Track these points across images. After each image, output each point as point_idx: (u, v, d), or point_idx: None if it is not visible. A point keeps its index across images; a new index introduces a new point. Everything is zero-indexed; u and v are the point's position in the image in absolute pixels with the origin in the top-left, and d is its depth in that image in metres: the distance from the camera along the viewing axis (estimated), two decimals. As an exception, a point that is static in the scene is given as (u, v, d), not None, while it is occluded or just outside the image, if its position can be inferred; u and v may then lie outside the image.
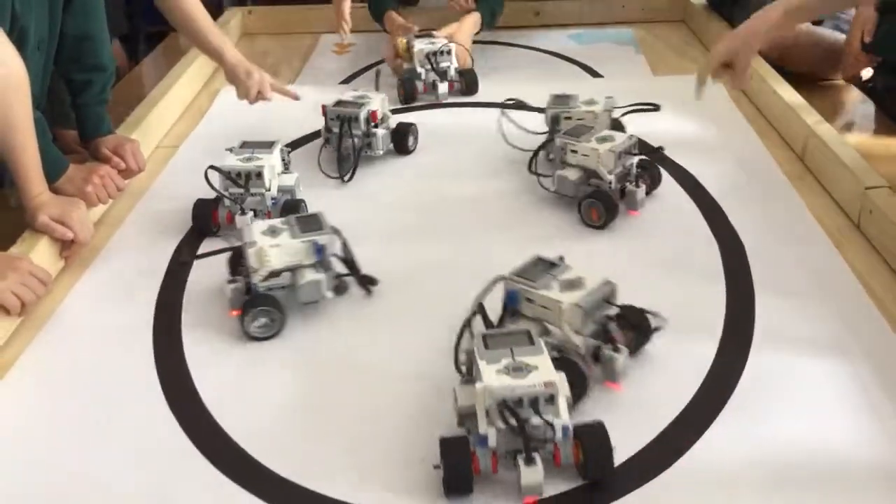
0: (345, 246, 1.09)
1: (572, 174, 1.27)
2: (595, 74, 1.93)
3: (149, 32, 2.51)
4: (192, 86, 1.84)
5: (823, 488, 0.82)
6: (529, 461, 0.79)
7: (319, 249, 1.05)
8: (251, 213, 1.23)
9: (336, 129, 1.44)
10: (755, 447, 0.87)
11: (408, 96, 1.73)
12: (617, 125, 1.42)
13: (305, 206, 1.26)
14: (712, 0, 2.12)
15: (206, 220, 1.25)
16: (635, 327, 0.97)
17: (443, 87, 1.74)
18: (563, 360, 0.90)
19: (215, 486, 0.85)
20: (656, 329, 0.99)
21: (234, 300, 1.07)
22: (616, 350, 0.93)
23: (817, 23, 1.86)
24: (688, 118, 1.62)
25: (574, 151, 1.27)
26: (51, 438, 0.91)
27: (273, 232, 1.06)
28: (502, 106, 1.57)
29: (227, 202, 1.24)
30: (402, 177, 1.47)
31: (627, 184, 1.28)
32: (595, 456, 0.80)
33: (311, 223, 1.08)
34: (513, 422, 0.78)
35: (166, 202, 1.37)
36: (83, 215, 1.21)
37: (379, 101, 1.48)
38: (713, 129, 1.58)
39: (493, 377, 0.80)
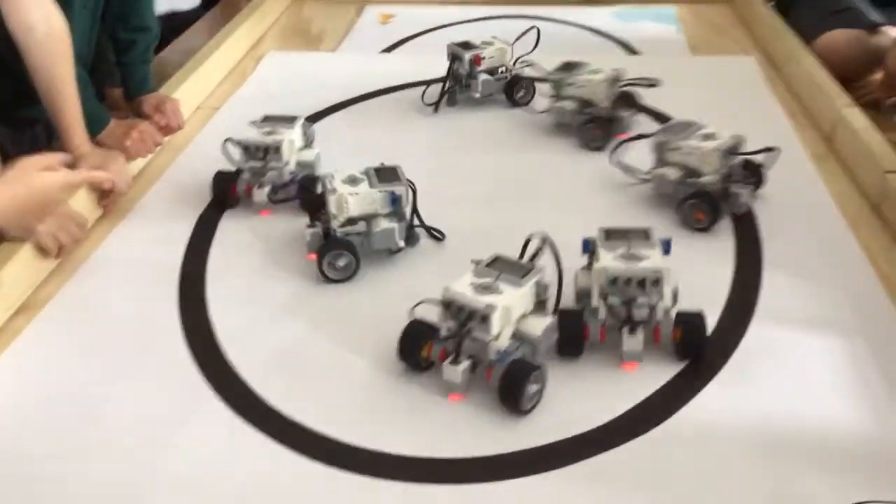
0: (414, 200, 1.14)
1: (672, 173, 1.23)
2: (633, 52, 1.94)
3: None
4: (238, 50, 1.89)
5: (814, 460, 0.84)
6: (632, 331, 0.93)
7: (395, 200, 1.10)
8: (268, 188, 1.25)
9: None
10: (743, 415, 0.89)
11: None
12: (625, 97, 1.46)
13: (325, 181, 1.17)
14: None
15: (224, 192, 1.27)
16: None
17: None
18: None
19: (225, 420, 0.90)
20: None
21: (311, 244, 1.13)
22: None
23: (873, 29, 1.84)
24: (719, 96, 1.62)
25: (675, 149, 1.23)
26: (78, 368, 0.98)
27: (353, 181, 1.12)
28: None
29: (245, 175, 1.26)
30: (480, 144, 1.50)
31: (731, 185, 1.22)
32: (691, 338, 0.94)
33: (389, 175, 1.13)
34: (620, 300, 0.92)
35: (201, 161, 1.41)
36: (122, 167, 1.27)
37: (496, 51, 1.55)
38: (743, 109, 1.58)
39: (609, 260, 0.94)
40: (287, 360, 0.99)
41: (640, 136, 1.34)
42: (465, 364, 0.89)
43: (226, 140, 1.26)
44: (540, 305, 0.94)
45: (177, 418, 0.91)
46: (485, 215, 1.27)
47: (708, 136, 1.22)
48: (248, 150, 1.25)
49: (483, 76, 1.56)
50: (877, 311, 1.05)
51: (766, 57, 1.86)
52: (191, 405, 0.93)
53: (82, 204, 1.23)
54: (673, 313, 0.95)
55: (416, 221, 1.15)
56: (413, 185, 1.13)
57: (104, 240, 1.22)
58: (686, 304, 1.01)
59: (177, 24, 2.05)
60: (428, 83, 1.63)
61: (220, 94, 1.72)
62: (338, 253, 1.10)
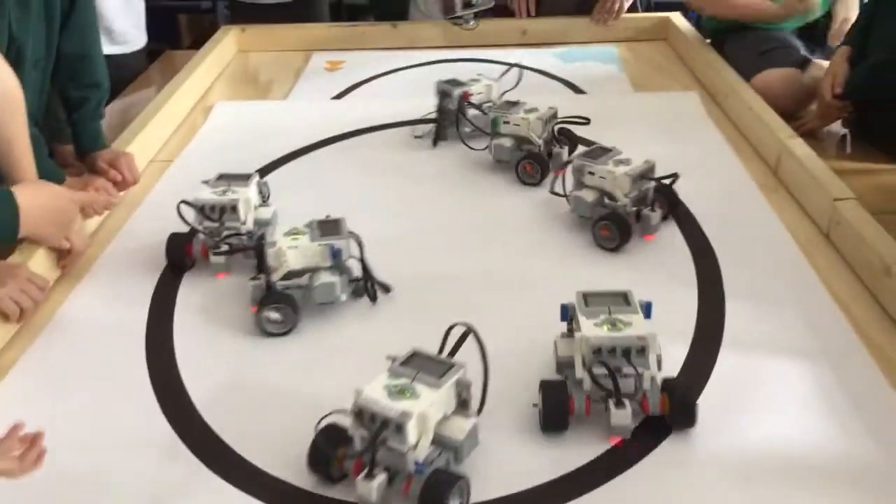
0: (361, 251, 1.13)
1: (589, 195, 1.29)
2: (578, 91, 1.98)
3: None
4: (186, 102, 1.89)
5: (789, 482, 0.86)
6: (619, 404, 0.89)
7: (335, 253, 1.10)
8: (226, 248, 1.21)
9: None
10: (723, 443, 0.91)
11: None
12: (564, 133, 1.53)
13: (265, 234, 1.15)
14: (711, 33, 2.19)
15: (180, 254, 1.23)
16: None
17: None
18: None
19: (202, 481, 0.89)
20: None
21: (254, 296, 1.11)
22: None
23: (804, 65, 1.92)
24: (664, 132, 1.67)
25: (591, 173, 1.28)
26: (48, 436, 0.94)
27: (295, 234, 1.12)
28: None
29: (201, 236, 1.23)
30: (421, 184, 1.53)
31: (643, 208, 1.28)
32: (681, 408, 0.91)
33: (332, 228, 1.13)
34: (604, 370, 0.88)
35: (160, 216, 1.40)
36: (79, 226, 1.25)
37: (484, 87, 1.62)
38: (689, 143, 1.63)
39: (591, 329, 0.90)
40: (263, 418, 0.98)
41: (567, 163, 1.38)
42: (380, 478, 0.81)
43: (180, 202, 1.23)
44: (462, 405, 0.86)
45: (157, 483, 0.89)
46: (430, 260, 1.28)
47: (621, 162, 1.28)
48: (204, 210, 1.22)
49: (473, 111, 1.60)
50: (836, 334, 1.09)
51: (706, 92, 1.92)
52: (169, 466, 0.91)
53: (40, 265, 1.20)
54: (659, 380, 0.92)
55: (361, 274, 1.14)
56: (358, 237, 1.13)
57: (64, 301, 1.20)
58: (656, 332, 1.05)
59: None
60: (416, 121, 1.69)
61: (172, 148, 1.70)
62: (274, 307, 1.08)
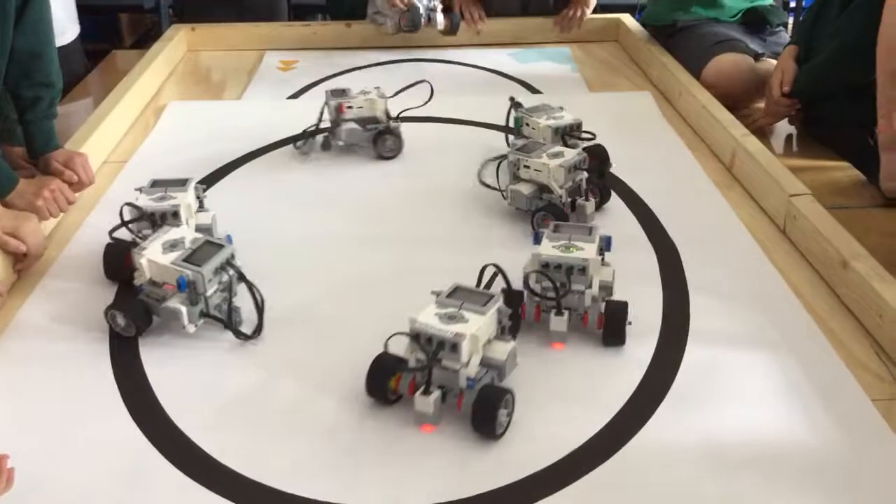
0: (251, 288, 1.07)
1: (525, 188, 1.32)
2: (534, 91, 2.00)
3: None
4: (138, 102, 1.85)
5: (755, 468, 0.89)
6: (558, 313, 1.03)
7: (182, 284, 1.02)
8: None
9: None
10: (694, 434, 0.93)
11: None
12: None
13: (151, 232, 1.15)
14: (654, 30, 2.22)
15: (118, 264, 1.16)
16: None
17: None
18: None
19: (175, 484, 0.87)
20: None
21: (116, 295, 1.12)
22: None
23: (757, 58, 1.96)
24: (621, 131, 1.69)
25: (527, 167, 1.31)
26: (15, 445, 0.91)
27: (171, 246, 1.07)
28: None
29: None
30: (360, 179, 1.53)
31: (578, 198, 1.32)
32: (612, 328, 1.05)
33: (206, 253, 1.05)
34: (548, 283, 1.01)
35: (114, 217, 1.37)
36: (36, 228, 1.22)
37: (366, 101, 1.58)
38: (645, 142, 1.66)
39: (547, 248, 1.05)
40: (235, 415, 0.97)
41: (503, 157, 1.40)
42: (436, 394, 0.91)
43: (124, 204, 1.18)
44: (502, 331, 0.96)
45: (126, 487, 0.87)
46: (377, 256, 1.28)
47: (556, 154, 1.31)
48: (143, 217, 1.17)
49: (348, 125, 1.58)
50: (797, 325, 1.12)
51: (659, 91, 1.95)
52: (139, 472, 0.89)
53: (-5, 269, 1.17)
54: (601, 301, 1.06)
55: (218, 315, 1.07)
56: (238, 270, 1.07)
57: (21, 306, 1.16)
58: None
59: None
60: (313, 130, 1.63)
61: (124, 148, 1.67)
62: (119, 312, 1.06)
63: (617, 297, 1.13)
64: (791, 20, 2.26)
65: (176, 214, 1.17)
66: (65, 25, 1.99)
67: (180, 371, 1.04)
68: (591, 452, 0.91)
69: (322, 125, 1.61)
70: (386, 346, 0.94)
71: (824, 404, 0.97)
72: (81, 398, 1.00)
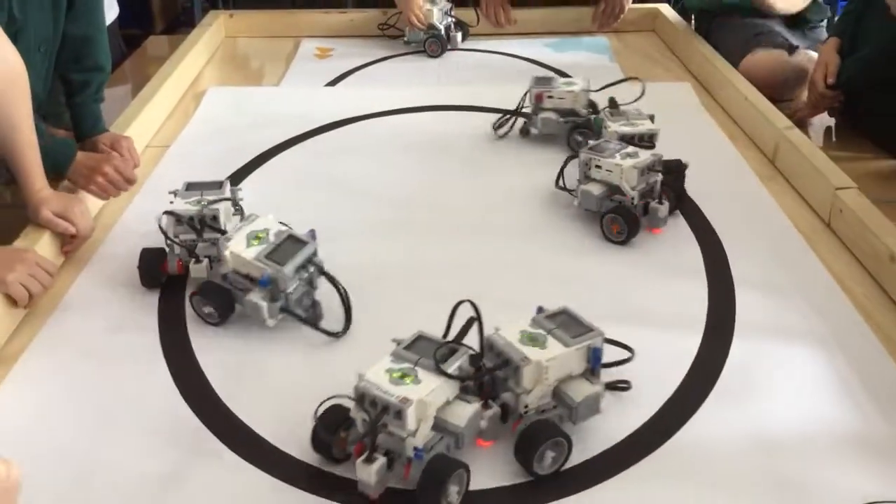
0: (336, 284, 1.06)
1: (596, 189, 1.28)
2: (571, 81, 1.99)
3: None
4: (178, 88, 1.86)
5: (803, 459, 0.89)
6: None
7: (265, 281, 1.02)
8: (206, 261, 1.13)
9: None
10: (740, 427, 0.93)
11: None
12: (594, 106, 1.52)
13: (236, 221, 1.17)
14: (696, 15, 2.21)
15: (153, 271, 1.15)
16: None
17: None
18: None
19: (227, 463, 0.89)
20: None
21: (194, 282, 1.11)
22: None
23: (792, 51, 1.95)
24: (660, 122, 1.67)
25: (598, 167, 1.27)
26: (60, 426, 0.94)
27: (255, 239, 1.05)
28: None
29: (177, 250, 1.14)
30: (419, 176, 1.51)
31: (650, 201, 1.27)
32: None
33: (289, 250, 1.04)
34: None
35: (159, 200, 1.38)
36: (84, 210, 1.23)
37: (567, 93, 1.56)
38: (686, 133, 1.65)
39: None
40: (284, 399, 0.98)
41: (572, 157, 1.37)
42: (380, 462, 0.81)
43: (163, 213, 1.14)
44: (464, 390, 0.87)
45: (178, 466, 0.88)
46: (429, 248, 1.27)
47: (629, 155, 1.27)
48: (181, 222, 1.14)
49: (545, 114, 1.56)
50: (843, 319, 1.11)
51: (698, 82, 1.94)
52: (191, 450, 0.90)
53: (45, 250, 1.18)
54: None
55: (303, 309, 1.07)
56: (320, 266, 1.06)
57: (71, 286, 1.18)
58: (669, 323, 1.07)
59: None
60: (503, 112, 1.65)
61: (166, 133, 1.68)
62: (205, 300, 1.07)
63: (662, 290, 1.13)
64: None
65: (215, 218, 1.14)
66: (107, 6, 2.01)
67: (229, 351, 1.05)
68: (635, 445, 0.91)
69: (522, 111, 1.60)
70: (315, 414, 0.86)
71: (871, 397, 0.97)
72: (131, 378, 1.01)
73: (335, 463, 0.87)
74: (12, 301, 1.08)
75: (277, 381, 1.01)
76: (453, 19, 2.16)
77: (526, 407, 0.86)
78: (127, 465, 0.88)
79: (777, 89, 1.86)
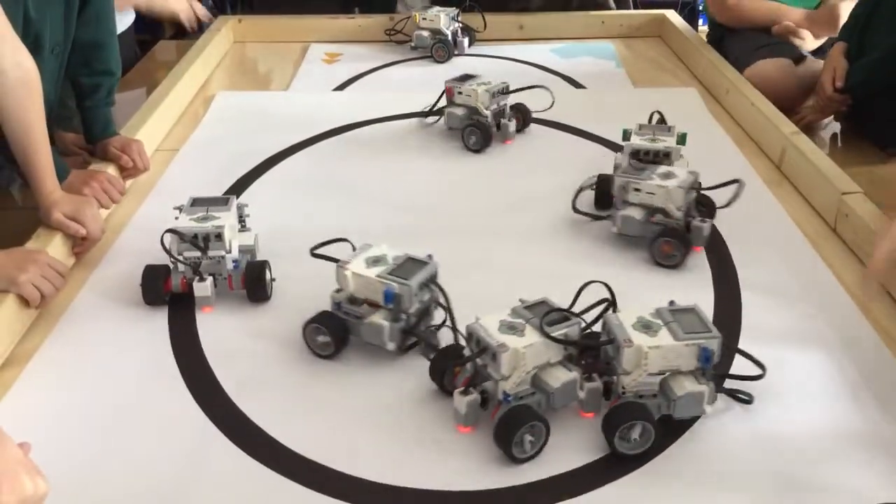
0: (448, 307, 1.02)
1: (637, 213, 1.24)
2: (578, 86, 2.00)
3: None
4: (188, 92, 1.88)
5: (809, 462, 0.89)
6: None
7: (389, 297, 0.99)
8: (210, 279, 1.11)
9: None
10: (746, 429, 0.93)
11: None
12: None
13: (269, 267, 1.15)
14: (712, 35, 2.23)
15: (156, 290, 1.12)
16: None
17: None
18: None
19: (240, 464, 0.89)
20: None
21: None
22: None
23: (798, 61, 1.96)
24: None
25: (637, 189, 1.23)
26: (72, 426, 0.95)
27: (375, 262, 1.03)
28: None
29: (181, 267, 1.12)
30: (427, 180, 1.51)
31: (692, 219, 1.24)
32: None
33: (410, 269, 1.02)
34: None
35: (169, 203, 1.40)
36: (95, 213, 1.25)
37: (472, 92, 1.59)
38: (692, 138, 1.64)
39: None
40: (293, 399, 0.99)
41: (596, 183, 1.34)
42: (473, 396, 0.90)
43: (165, 231, 1.11)
44: (569, 358, 0.92)
45: (189, 466, 0.89)
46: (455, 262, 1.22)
47: (667, 175, 1.24)
48: (185, 239, 1.11)
49: (453, 109, 1.63)
50: (850, 323, 1.11)
51: (704, 88, 1.94)
52: (201, 451, 0.91)
53: (56, 251, 1.19)
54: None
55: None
56: (442, 289, 1.02)
57: (82, 288, 1.19)
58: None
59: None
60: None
61: (176, 137, 1.70)
62: (316, 328, 1.03)
63: (669, 295, 1.13)
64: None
65: (220, 236, 1.11)
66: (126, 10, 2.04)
67: (240, 351, 1.06)
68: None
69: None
70: (455, 336, 0.97)
71: (877, 400, 0.97)
72: (142, 378, 1.02)
73: (446, 392, 0.95)
74: (24, 302, 1.09)
75: (288, 381, 1.02)
76: (460, 25, 2.17)
77: (504, 393, 0.89)
78: (138, 465, 0.89)
79: (782, 97, 1.87)
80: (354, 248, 1.07)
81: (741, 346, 1.07)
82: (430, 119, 1.71)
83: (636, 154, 1.35)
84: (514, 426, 0.86)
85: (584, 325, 0.94)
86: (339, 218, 1.37)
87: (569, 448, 0.91)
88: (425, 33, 2.13)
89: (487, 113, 1.58)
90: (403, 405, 0.97)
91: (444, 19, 2.12)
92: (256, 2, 2.77)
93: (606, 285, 0.98)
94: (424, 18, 2.14)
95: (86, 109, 1.44)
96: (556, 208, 1.38)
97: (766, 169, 1.54)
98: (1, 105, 1.15)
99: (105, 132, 1.44)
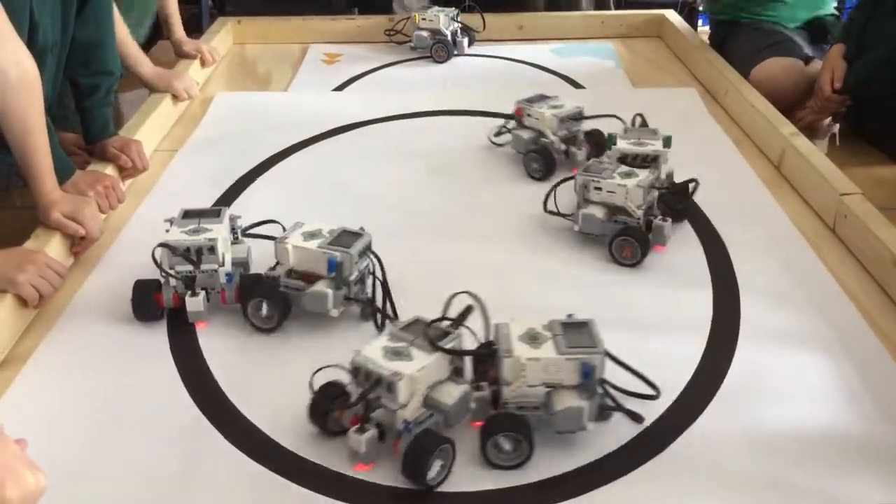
0: (383, 274, 1.09)
1: (598, 211, 1.23)
2: (577, 86, 2.00)
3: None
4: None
5: (806, 464, 0.89)
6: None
7: (332, 265, 1.04)
8: (203, 293, 1.08)
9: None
10: (744, 431, 0.93)
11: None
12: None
13: (285, 227, 1.13)
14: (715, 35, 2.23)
15: (148, 305, 1.09)
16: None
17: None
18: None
19: (237, 464, 0.89)
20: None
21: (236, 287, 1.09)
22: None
23: (807, 61, 1.96)
24: (665, 127, 1.68)
25: (598, 188, 1.23)
26: (70, 428, 0.95)
27: (311, 236, 1.07)
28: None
29: (173, 282, 1.08)
30: (425, 180, 1.51)
31: (653, 218, 1.24)
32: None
33: (348, 239, 1.07)
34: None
35: (167, 203, 1.39)
36: (94, 213, 1.25)
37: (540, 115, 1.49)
38: (691, 139, 1.65)
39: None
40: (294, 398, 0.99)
41: (567, 179, 1.32)
42: (371, 432, 0.85)
43: (157, 245, 1.08)
44: (456, 372, 0.90)
45: (187, 466, 0.89)
46: (431, 253, 1.26)
47: (628, 174, 1.23)
48: (177, 253, 1.07)
49: (519, 132, 1.53)
50: (848, 324, 1.11)
51: (704, 88, 1.94)
52: (199, 450, 0.91)
53: (55, 251, 1.19)
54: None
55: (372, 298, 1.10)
56: (378, 258, 1.09)
57: (80, 288, 1.19)
58: (674, 328, 1.07)
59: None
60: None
61: (175, 137, 1.70)
62: (263, 301, 1.05)
63: (668, 296, 1.14)
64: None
65: (213, 249, 1.08)
66: None
67: (237, 350, 1.06)
68: (638, 449, 0.91)
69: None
70: (310, 384, 0.90)
71: (875, 403, 0.97)
72: (140, 378, 1.02)
73: (330, 435, 0.91)
74: (23, 302, 1.09)
75: (287, 380, 1.01)
76: (459, 25, 2.17)
77: (405, 422, 0.85)
78: (135, 465, 0.89)
79: (788, 98, 1.87)
80: (285, 229, 1.11)
81: (739, 346, 1.07)
82: (499, 140, 1.58)
83: (623, 159, 1.32)
84: (424, 455, 0.83)
85: (457, 336, 0.90)
86: (338, 218, 1.35)
87: (560, 452, 0.90)
88: (425, 33, 2.13)
89: (554, 138, 1.46)
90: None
91: (444, 19, 2.12)
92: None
93: (472, 294, 0.91)
94: (424, 19, 2.14)
95: (84, 110, 1.44)
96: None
97: (765, 170, 1.54)
98: (0, 104, 1.15)
99: (103, 133, 1.44)
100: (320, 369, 0.91)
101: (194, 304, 1.07)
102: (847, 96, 1.74)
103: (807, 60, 1.96)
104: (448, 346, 0.88)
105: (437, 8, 2.16)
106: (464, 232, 1.34)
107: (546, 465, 0.88)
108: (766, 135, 1.61)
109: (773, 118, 1.62)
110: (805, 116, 1.81)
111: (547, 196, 1.31)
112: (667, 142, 1.37)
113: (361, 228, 1.10)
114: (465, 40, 2.17)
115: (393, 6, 2.44)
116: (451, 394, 0.88)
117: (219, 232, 1.10)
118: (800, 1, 2.13)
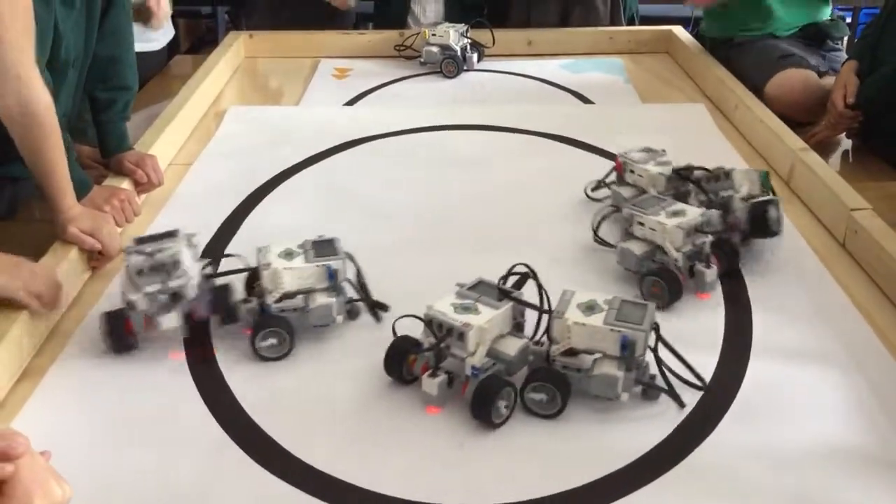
0: (358, 272, 1.14)
1: (637, 247, 1.20)
2: (586, 101, 2.01)
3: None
4: (200, 107, 1.89)
5: (820, 480, 0.89)
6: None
7: (332, 274, 1.08)
8: (178, 310, 1.06)
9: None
10: (757, 447, 0.94)
11: None
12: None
13: (260, 255, 1.11)
14: (711, 42, 2.24)
15: (119, 335, 1.07)
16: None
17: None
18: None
19: (254, 477, 0.90)
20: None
21: (246, 320, 1.09)
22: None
23: (822, 74, 1.98)
24: (674, 143, 1.69)
25: (641, 224, 1.20)
26: (87, 440, 0.96)
27: (289, 255, 1.09)
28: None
29: (141, 306, 1.04)
30: (436, 194, 1.52)
31: (697, 263, 1.18)
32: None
33: (326, 248, 1.11)
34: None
35: (183, 217, 1.41)
36: (112, 229, 1.26)
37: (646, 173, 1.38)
38: (700, 154, 1.65)
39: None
40: (311, 411, 1.00)
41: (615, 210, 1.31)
42: (441, 377, 0.96)
43: (120, 274, 1.09)
44: (517, 327, 1.00)
45: (203, 479, 0.90)
46: (445, 269, 1.21)
47: (676, 213, 1.19)
48: (143, 272, 1.05)
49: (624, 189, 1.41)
50: (860, 340, 1.12)
51: (712, 104, 1.95)
52: (216, 464, 0.92)
53: (72, 266, 1.21)
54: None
55: (357, 296, 1.14)
56: (352, 257, 1.13)
57: (97, 301, 1.20)
58: (685, 343, 1.06)
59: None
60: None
61: (188, 151, 1.71)
62: (271, 331, 1.06)
63: (677, 309, 1.15)
64: (846, 38, 2.27)
65: (177, 263, 1.06)
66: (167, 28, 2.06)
67: (255, 363, 1.07)
68: (651, 464, 0.92)
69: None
70: (393, 329, 1.02)
71: (888, 417, 0.98)
72: (158, 393, 1.03)
73: (403, 383, 1.01)
74: (16, 306, 1.06)
75: (304, 394, 1.02)
76: (469, 40, 2.19)
77: (473, 368, 0.95)
78: (152, 478, 0.90)
79: (804, 110, 1.88)
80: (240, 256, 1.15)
81: (752, 362, 1.08)
82: (597, 194, 1.46)
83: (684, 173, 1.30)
84: (491, 395, 0.93)
85: (520, 294, 1.00)
86: (351, 232, 1.36)
87: (582, 462, 0.91)
88: (434, 49, 2.15)
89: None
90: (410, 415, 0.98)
91: (454, 35, 2.14)
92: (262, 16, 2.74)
93: (527, 265, 1.03)
94: (434, 34, 2.15)
95: (101, 124, 1.45)
96: (562, 226, 1.39)
97: (775, 184, 1.54)
98: (15, 137, 1.17)
99: (120, 147, 1.46)
100: (399, 319, 1.03)
101: (169, 320, 1.06)
102: (859, 112, 1.75)
103: (822, 73, 1.98)
104: (511, 304, 0.97)
105: (446, 23, 2.18)
106: (486, 245, 1.34)
107: (564, 477, 0.89)
108: (776, 150, 1.62)
109: (782, 133, 1.63)
110: (819, 133, 1.82)
111: (599, 223, 1.30)
112: (765, 182, 1.30)
113: (321, 236, 1.13)
114: (475, 56, 2.19)
115: (408, 21, 2.45)
116: (513, 346, 0.97)
117: (178, 246, 1.08)
118: (792, 13, 2.14)
